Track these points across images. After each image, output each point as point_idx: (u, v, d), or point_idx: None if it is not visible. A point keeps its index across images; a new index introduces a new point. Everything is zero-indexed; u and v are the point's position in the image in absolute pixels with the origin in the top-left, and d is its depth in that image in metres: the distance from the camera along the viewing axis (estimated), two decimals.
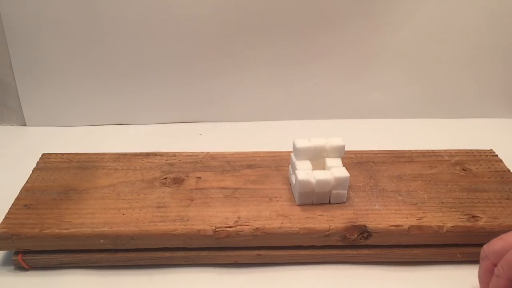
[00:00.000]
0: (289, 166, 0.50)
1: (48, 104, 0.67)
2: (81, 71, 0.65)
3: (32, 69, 0.64)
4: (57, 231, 0.42)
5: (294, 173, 0.46)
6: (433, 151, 0.55)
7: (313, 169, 0.46)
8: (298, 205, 0.46)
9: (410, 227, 0.43)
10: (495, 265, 0.35)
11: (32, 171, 0.51)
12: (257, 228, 0.43)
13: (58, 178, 0.49)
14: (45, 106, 0.67)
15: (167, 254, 0.44)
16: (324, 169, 0.47)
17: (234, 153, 0.54)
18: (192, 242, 0.44)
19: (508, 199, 0.47)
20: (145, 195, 0.47)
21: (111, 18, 0.61)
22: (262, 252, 0.45)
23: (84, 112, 0.68)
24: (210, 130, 0.68)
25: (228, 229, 0.43)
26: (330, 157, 0.47)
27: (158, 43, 0.63)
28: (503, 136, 0.66)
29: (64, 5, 0.60)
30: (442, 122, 0.70)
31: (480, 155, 0.54)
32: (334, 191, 0.45)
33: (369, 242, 0.44)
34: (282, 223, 0.44)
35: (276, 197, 0.47)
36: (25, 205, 0.45)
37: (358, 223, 0.44)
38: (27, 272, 0.44)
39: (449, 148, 0.55)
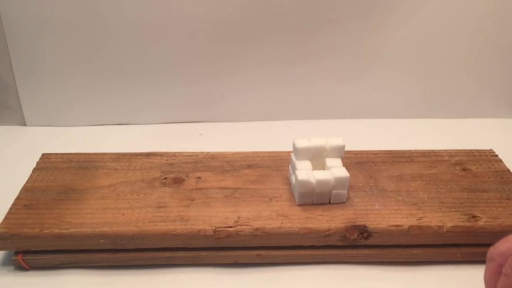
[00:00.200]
0: (289, 166, 0.50)
1: (48, 104, 0.67)
2: (81, 71, 0.65)
3: (32, 69, 0.64)
4: (57, 231, 0.42)
5: (294, 173, 0.46)
6: (433, 151, 0.55)
7: (313, 169, 0.46)
8: (298, 205, 0.46)
9: (410, 227, 0.43)
10: (502, 266, 0.35)
11: (32, 171, 0.51)
12: (257, 228, 0.43)
13: (58, 178, 0.49)
14: (45, 106, 0.67)
15: (167, 254, 0.44)
16: (324, 169, 0.47)
17: (234, 153, 0.54)
18: (192, 242, 0.44)
19: (508, 199, 0.47)
20: (145, 195, 0.47)
21: (111, 18, 0.61)
22: (262, 252, 0.45)
23: (84, 112, 0.68)
24: (210, 130, 0.68)
25: (228, 229, 0.43)
26: (330, 157, 0.47)
27: (158, 43, 0.63)
28: (503, 136, 0.66)
29: (64, 5, 0.60)
30: (442, 122, 0.70)
31: (480, 155, 0.54)
32: (334, 191, 0.45)
33: (369, 242, 0.44)
34: (282, 223, 0.44)
35: (276, 197, 0.47)
36: (25, 205, 0.45)
37: (358, 223, 0.44)
38: (27, 272, 0.44)
39: (449, 148, 0.55)
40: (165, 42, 0.63)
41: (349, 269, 0.45)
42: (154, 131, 0.68)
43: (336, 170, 0.45)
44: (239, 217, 0.44)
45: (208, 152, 0.54)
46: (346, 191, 0.46)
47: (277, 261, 0.45)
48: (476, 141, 0.59)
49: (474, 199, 0.47)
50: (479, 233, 0.44)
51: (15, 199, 0.46)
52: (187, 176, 0.50)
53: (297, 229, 0.43)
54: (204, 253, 0.44)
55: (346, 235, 0.44)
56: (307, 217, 0.44)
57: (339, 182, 0.45)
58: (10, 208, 0.45)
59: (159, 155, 0.54)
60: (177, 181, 0.49)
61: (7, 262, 0.45)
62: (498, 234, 0.37)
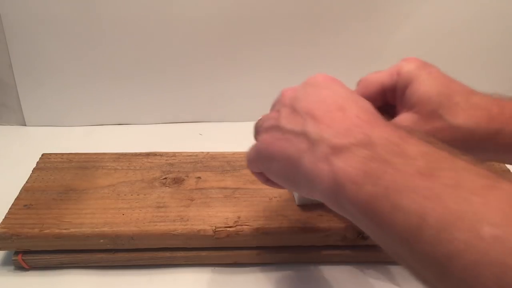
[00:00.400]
0: None
1: (48, 104, 0.67)
2: (81, 71, 0.65)
3: (32, 69, 0.64)
4: (57, 231, 0.42)
5: None
6: None
7: None
8: (298, 205, 0.46)
9: None
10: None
11: (32, 171, 0.51)
12: (257, 228, 0.43)
13: (58, 178, 0.49)
14: (45, 106, 0.67)
15: (167, 254, 0.44)
16: None
17: (234, 153, 0.54)
18: (192, 242, 0.44)
19: None
20: (145, 195, 0.47)
21: (111, 18, 0.61)
22: (262, 252, 0.45)
23: (84, 112, 0.68)
24: (210, 130, 0.68)
25: (228, 229, 0.43)
26: None
27: (158, 43, 0.63)
28: None
29: (64, 5, 0.60)
30: None
31: None
32: None
33: (369, 242, 0.44)
34: (282, 223, 0.44)
35: (276, 197, 0.47)
36: (25, 205, 0.45)
37: None
38: (27, 272, 0.44)
39: None
40: (165, 42, 0.63)
41: (349, 269, 0.45)
42: (154, 131, 0.68)
43: None
44: (239, 217, 0.44)
45: (208, 152, 0.54)
46: None
47: (277, 261, 0.45)
48: None
49: None
50: None
51: (15, 199, 0.46)
52: (187, 176, 0.50)
53: (297, 229, 0.43)
54: (204, 253, 0.44)
55: (346, 235, 0.44)
56: (307, 217, 0.44)
57: None
58: (10, 208, 0.45)
59: (159, 155, 0.54)
60: (177, 181, 0.49)
61: (7, 262, 0.45)
62: None
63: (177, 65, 0.65)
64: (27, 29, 0.61)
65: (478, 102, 0.35)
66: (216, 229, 0.43)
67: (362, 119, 0.28)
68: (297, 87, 0.33)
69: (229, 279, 0.44)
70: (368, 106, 0.30)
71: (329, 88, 0.31)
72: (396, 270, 0.45)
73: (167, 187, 0.49)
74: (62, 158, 0.53)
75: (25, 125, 0.69)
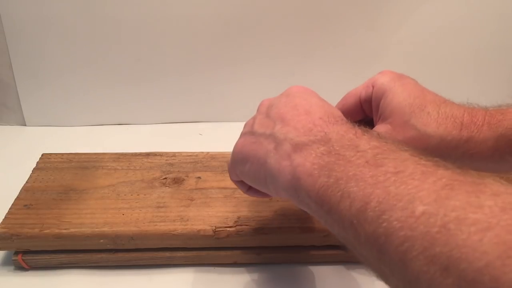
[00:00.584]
0: None
1: (48, 104, 0.67)
2: (81, 71, 0.65)
3: (32, 69, 0.64)
4: (57, 231, 0.42)
5: None
6: None
7: None
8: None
9: None
10: None
11: (32, 171, 0.51)
12: (257, 228, 0.43)
13: (58, 178, 0.49)
14: (45, 106, 0.67)
15: (167, 254, 0.44)
16: None
17: None
18: (192, 242, 0.44)
19: None
20: (145, 195, 0.47)
21: (111, 18, 0.61)
22: (262, 252, 0.45)
23: (84, 112, 0.68)
24: (210, 130, 0.68)
25: (228, 229, 0.43)
26: None
27: (158, 43, 0.63)
28: None
29: (64, 5, 0.60)
30: None
31: None
32: None
33: None
34: (282, 223, 0.44)
35: (275, 197, 0.47)
36: (25, 205, 0.45)
37: None
38: (27, 272, 0.44)
39: None
40: (165, 42, 0.63)
41: (349, 269, 0.45)
42: (154, 131, 0.68)
43: None
44: (239, 217, 0.44)
45: (208, 152, 0.54)
46: None
47: (277, 261, 0.45)
48: None
49: None
50: None
51: (15, 199, 0.46)
52: (187, 176, 0.50)
53: (297, 229, 0.43)
54: (204, 253, 0.44)
55: None
56: (307, 217, 0.44)
57: None
58: (10, 208, 0.45)
59: (159, 155, 0.54)
60: (177, 181, 0.49)
61: (7, 262, 0.45)
62: None
63: (177, 65, 0.65)
64: (27, 29, 0.61)
65: (449, 111, 0.36)
66: (216, 229, 0.43)
67: (324, 120, 0.30)
68: (274, 97, 0.36)
69: (229, 279, 0.44)
70: (334, 111, 0.32)
71: (302, 97, 0.34)
72: None
73: (167, 187, 0.49)
74: (62, 158, 0.53)
75: (25, 125, 0.69)
